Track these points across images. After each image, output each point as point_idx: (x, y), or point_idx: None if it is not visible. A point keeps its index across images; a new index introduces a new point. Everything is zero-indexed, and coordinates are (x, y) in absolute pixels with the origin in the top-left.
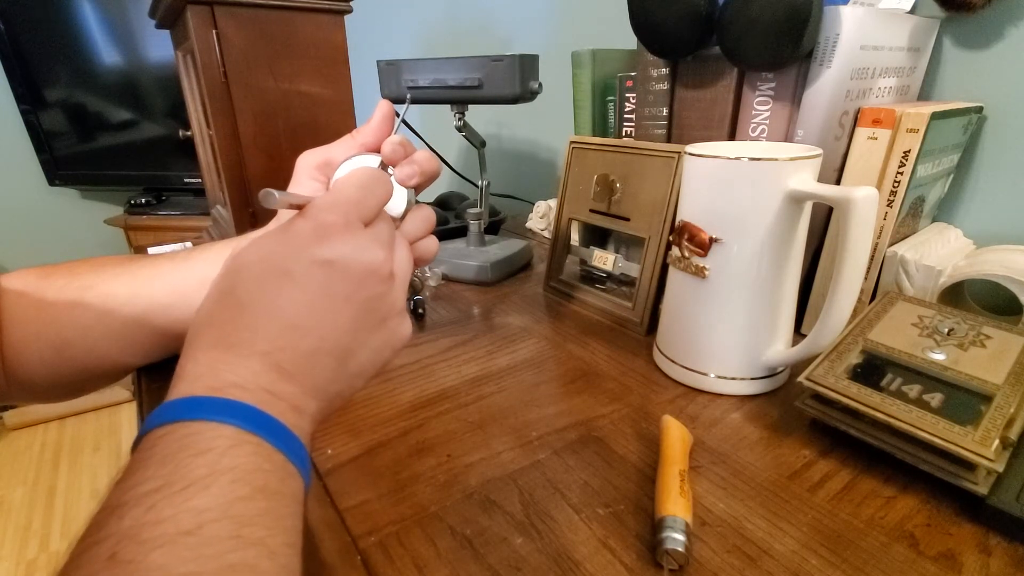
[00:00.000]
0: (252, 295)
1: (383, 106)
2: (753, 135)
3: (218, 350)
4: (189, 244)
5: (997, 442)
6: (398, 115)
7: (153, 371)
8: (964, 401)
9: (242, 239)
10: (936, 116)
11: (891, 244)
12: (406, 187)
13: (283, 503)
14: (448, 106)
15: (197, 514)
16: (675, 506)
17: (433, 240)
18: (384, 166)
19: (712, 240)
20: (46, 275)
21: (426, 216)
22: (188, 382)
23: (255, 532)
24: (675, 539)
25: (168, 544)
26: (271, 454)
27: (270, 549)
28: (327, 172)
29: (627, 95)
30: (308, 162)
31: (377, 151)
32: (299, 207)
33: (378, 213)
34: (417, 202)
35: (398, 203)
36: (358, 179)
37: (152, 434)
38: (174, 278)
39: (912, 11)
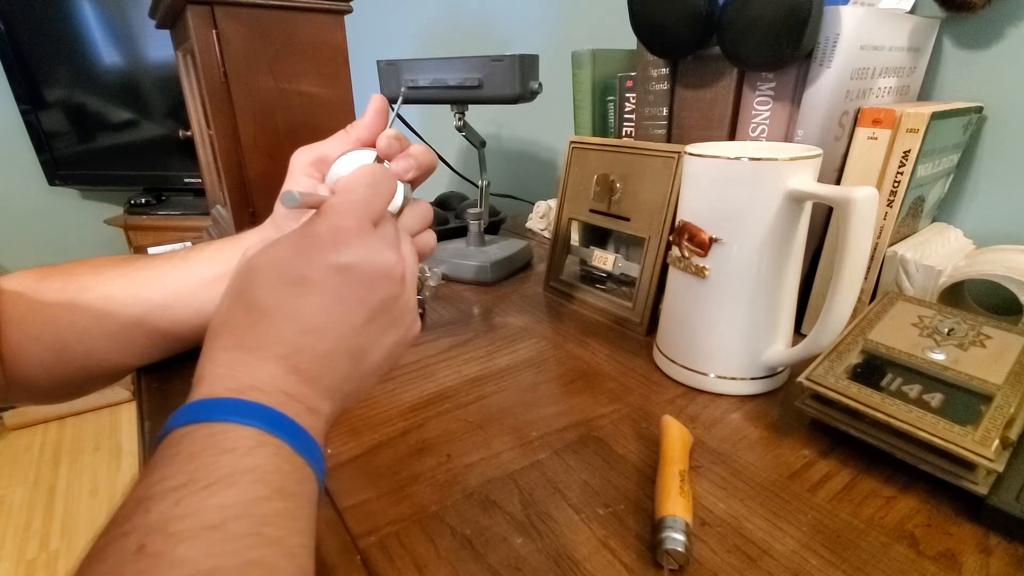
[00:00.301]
0: (269, 300)
1: (376, 101)
2: (753, 135)
3: (237, 352)
4: (189, 244)
5: (997, 442)
6: (393, 108)
7: (153, 371)
8: (964, 401)
9: (241, 238)
10: (936, 116)
11: (891, 244)
12: (402, 181)
13: (300, 504)
14: (448, 106)
15: (221, 510)
16: (675, 506)
17: (431, 234)
18: (380, 160)
19: (712, 240)
20: (44, 276)
21: (423, 211)
22: (209, 383)
23: (274, 531)
24: (675, 539)
25: (193, 538)
26: (290, 456)
27: (287, 549)
28: (321, 169)
29: (627, 95)
30: (302, 159)
31: (371, 146)
32: (315, 207)
33: (384, 211)
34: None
35: (395, 198)
36: (366, 178)
37: (175, 432)
38: (171, 279)
39: (912, 11)
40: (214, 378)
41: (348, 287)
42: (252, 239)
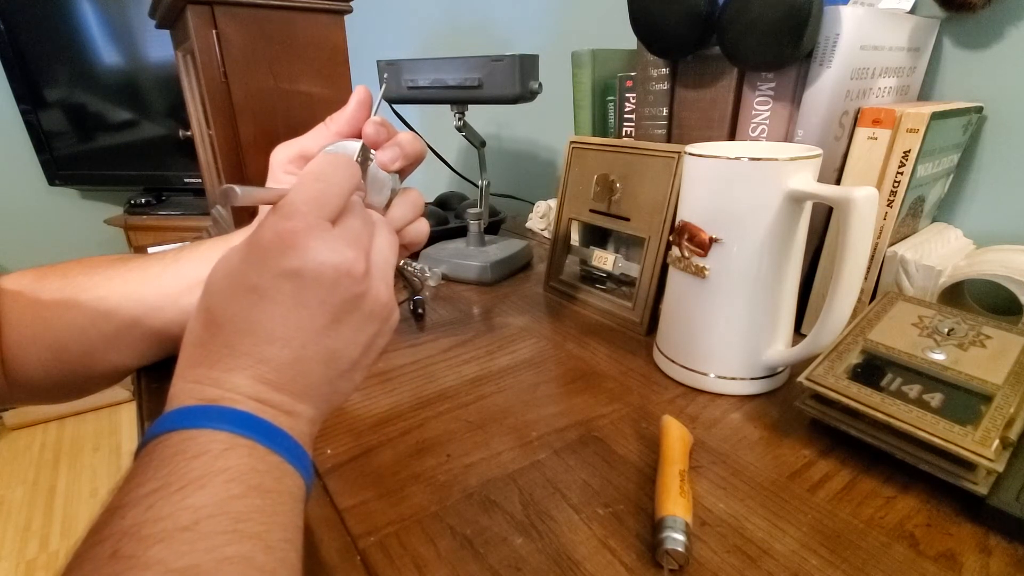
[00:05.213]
0: (225, 314)
1: (359, 92)
2: (753, 135)
3: (202, 368)
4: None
5: (997, 442)
6: (376, 98)
7: (153, 371)
8: (964, 401)
9: (233, 238)
10: (936, 116)
11: (891, 244)
12: (390, 171)
13: (279, 500)
14: (448, 106)
15: (194, 511)
16: (675, 506)
17: (423, 223)
18: (367, 150)
19: (712, 240)
20: (41, 276)
21: (413, 200)
22: (180, 399)
23: (251, 527)
24: (675, 539)
25: (167, 539)
26: (265, 455)
27: (266, 543)
28: (302, 165)
29: (627, 95)
30: (281, 156)
31: (355, 137)
32: (270, 203)
33: (344, 201)
34: (404, 188)
35: (382, 190)
36: (314, 171)
37: (149, 445)
38: (164, 280)
39: (912, 11)
40: (183, 394)
41: (304, 291)
42: (240, 239)
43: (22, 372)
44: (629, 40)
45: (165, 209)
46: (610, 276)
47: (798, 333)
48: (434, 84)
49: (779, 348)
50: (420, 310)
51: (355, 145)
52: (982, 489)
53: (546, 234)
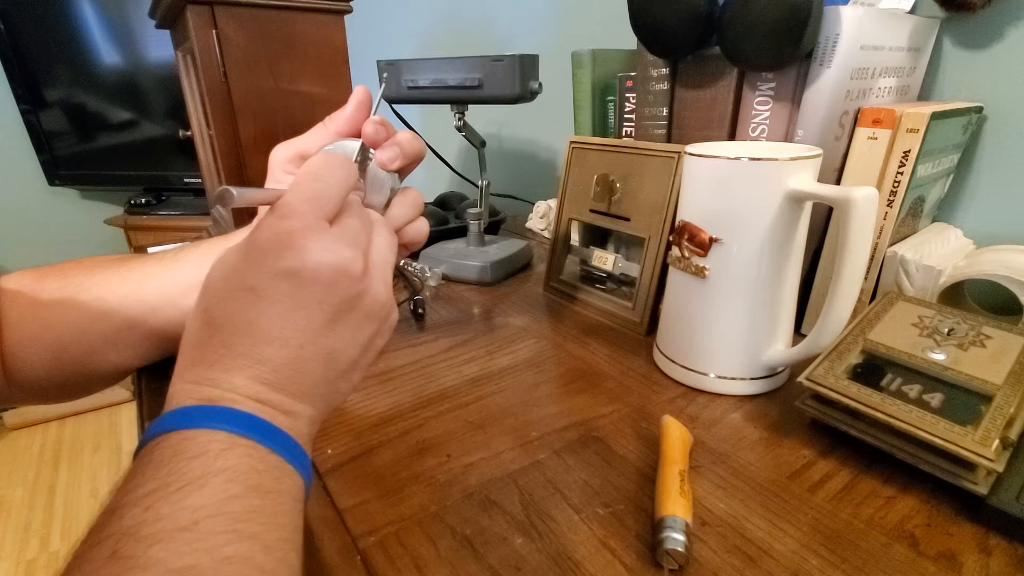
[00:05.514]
0: (223, 314)
1: (358, 92)
2: (753, 135)
3: (200, 368)
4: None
5: (997, 442)
6: (375, 97)
7: (153, 371)
8: (964, 401)
9: (233, 238)
10: (936, 116)
11: (891, 244)
12: (389, 171)
13: (278, 500)
14: (448, 106)
15: (193, 511)
16: (675, 506)
17: (422, 222)
18: (366, 149)
19: (712, 240)
20: (41, 276)
21: (412, 199)
22: (178, 400)
23: (250, 527)
24: (675, 539)
25: (166, 539)
26: (265, 455)
27: (265, 543)
28: (301, 165)
29: (627, 95)
30: (281, 156)
31: (355, 136)
32: (267, 203)
33: (342, 201)
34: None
35: (382, 190)
36: (311, 170)
37: (148, 445)
38: (163, 280)
39: (912, 11)
40: (182, 395)
41: (302, 291)
42: (239, 239)
43: (22, 372)
44: (629, 40)
45: (165, 209)
46: (610, 276)
47: (798, 333)
48: (434, 84)
49: (779, 348)
50: (420, 310)
51: (354, 144)
52: (982, 489)
53: (546, 234)
